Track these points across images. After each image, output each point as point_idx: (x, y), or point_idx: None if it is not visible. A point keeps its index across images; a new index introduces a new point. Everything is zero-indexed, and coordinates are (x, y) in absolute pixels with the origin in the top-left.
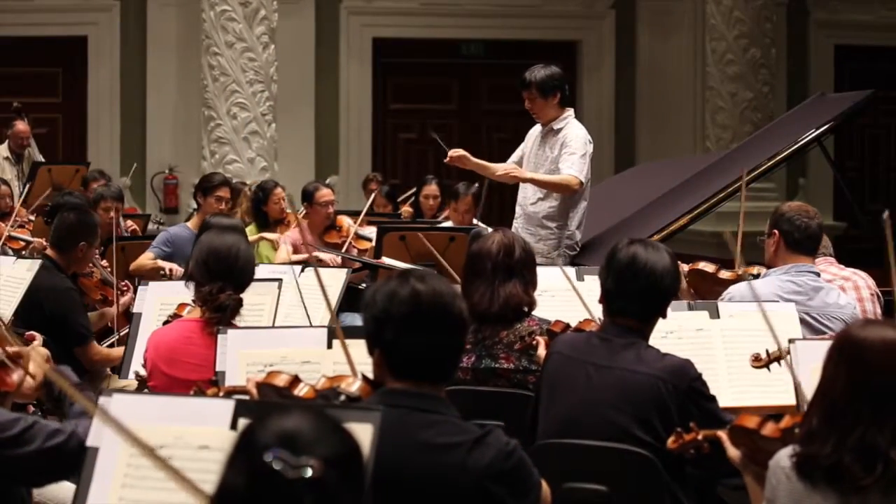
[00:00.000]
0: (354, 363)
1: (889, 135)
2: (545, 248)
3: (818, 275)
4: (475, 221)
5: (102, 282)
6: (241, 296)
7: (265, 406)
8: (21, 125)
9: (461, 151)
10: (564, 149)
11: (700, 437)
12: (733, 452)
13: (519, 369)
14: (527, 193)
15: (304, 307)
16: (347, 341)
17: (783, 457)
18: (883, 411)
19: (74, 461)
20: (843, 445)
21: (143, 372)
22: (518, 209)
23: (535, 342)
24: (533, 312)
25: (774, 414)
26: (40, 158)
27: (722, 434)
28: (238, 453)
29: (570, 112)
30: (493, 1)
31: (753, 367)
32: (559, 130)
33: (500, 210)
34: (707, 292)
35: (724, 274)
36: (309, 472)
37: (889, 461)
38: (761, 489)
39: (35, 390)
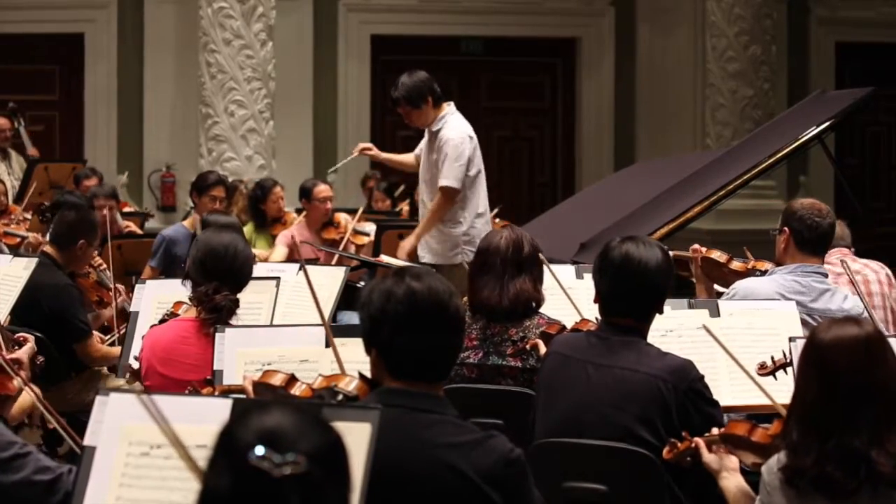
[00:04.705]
0: (344, 364)
1: (890, 132)
2: (443, 248)
3: (826, 276)
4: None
5: (98, 283)
6: (239, 294)
7: (246, 404)
8: (1, 120)
9: (367, 144)
10: (440, 154)
11: (693, 444)
12: (708, 458)
13: (526, 368)
14: (425, 199)
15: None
16: (344, 340)
17: (776, 462)
18: (855, 412)
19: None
20: (824, 455)
21: (135, 365)
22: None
23: (534, 345)
24: (540, 310)
25: (769, 414)
26: (32, 153)
27: (699, 440)
28: (220, 454)
29: (448, 109)
30: None
31: (759, 374)
32: (438, 132)
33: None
34: (718, 279)
35: (735, 265)
36: (293, 469)
37: (871, 462)
38: (741, 494)
39: (30, 407)
